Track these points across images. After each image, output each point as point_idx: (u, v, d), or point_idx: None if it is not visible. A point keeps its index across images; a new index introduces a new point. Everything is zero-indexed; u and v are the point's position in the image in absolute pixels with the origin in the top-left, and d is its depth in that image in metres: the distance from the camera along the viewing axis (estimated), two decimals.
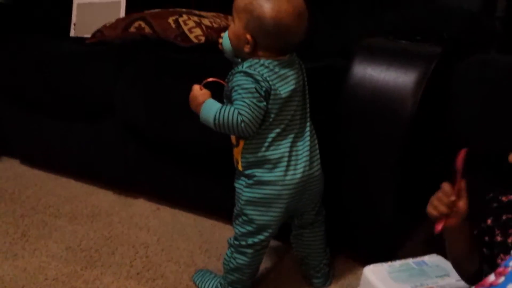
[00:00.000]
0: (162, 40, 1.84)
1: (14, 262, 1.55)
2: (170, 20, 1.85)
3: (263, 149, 1.21)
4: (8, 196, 1.96)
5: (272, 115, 1.19)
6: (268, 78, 1.17)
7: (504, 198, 1.07)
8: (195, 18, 1.87)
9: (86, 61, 1.86)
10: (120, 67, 1.76)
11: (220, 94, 1.25)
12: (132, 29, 1.90)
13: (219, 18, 1.97)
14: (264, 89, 1.16)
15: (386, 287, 1.19)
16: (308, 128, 1.26)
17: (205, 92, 1.24)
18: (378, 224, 1.40)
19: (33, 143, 2.12)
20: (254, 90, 1.15)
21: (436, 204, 1.00)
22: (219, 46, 1.33)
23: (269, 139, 1.21)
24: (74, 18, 2.37)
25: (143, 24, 1.88)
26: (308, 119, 1.27)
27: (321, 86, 1.38)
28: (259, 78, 1.16)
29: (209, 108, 1.20)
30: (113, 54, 1.85)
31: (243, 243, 1.30)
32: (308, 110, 1.27)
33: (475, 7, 1.64)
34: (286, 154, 1.22)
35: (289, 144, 1.22)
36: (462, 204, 0.99)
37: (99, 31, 2.00)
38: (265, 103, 1.17)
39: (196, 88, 1.25)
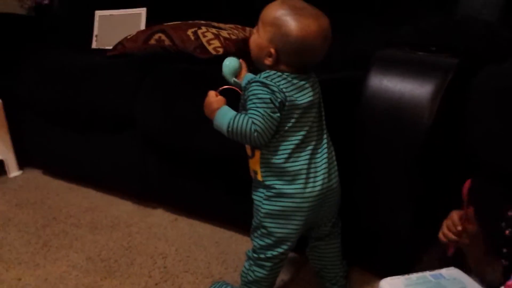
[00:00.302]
0: (181, 52, 1.86)
1: (35, 271, 1.58)
2: (189, 32, 1.87)
3: (282, 160, 1.21)
4: (31, 206, 1.99)
5: (289, 124, 1.19)
6: (284, 90, 1.17)
7: None
8: (214, 30, 1.88)
9: (107, 73, 1.88)
10: (140, 79, 1.78)
11: (234, 101, 1.26)
12: (152, 41, 1.93)
13: (237, 30, 1.98)
14: (279, 100, 1.16)
15: None
16: (325, 141, 1.25)
17: (220, 98, 1.24)
18: (395, 236, 1.39)
19: (55, 154, 2.15)
20: (269, 100, 1.16)
21: (446, 233, 1.12)
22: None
23: (287, 151, 1.20)
24: (96, 30, 2.41)
25: (163, 37, 1.91)
26: (325, 132, 1.27)
27: (337, 98, 1.38)
28: (275, 89, 1.16)
29: (223, 115, 1.21)
30: (133, 67, 1.87)
31: (262, 256, 1.29)
32: (324, 123, 1.27)
33: (492, 16, 1.62)
34: (305, 166, 1.21)
35: (307, 157, 1.21)
36: (470, 228, 1.05)
37: (120, 43, 2.03)
38: (279, 114, 1.17)
39: (212, 94, 1.25)
